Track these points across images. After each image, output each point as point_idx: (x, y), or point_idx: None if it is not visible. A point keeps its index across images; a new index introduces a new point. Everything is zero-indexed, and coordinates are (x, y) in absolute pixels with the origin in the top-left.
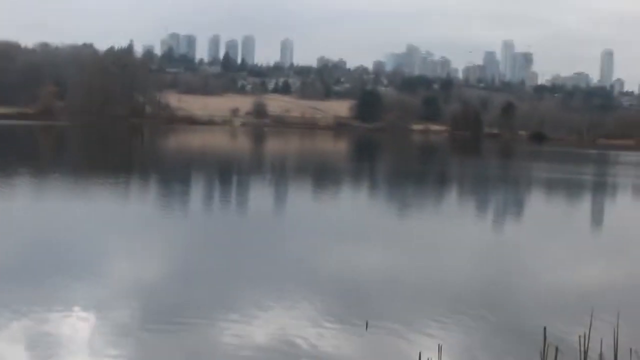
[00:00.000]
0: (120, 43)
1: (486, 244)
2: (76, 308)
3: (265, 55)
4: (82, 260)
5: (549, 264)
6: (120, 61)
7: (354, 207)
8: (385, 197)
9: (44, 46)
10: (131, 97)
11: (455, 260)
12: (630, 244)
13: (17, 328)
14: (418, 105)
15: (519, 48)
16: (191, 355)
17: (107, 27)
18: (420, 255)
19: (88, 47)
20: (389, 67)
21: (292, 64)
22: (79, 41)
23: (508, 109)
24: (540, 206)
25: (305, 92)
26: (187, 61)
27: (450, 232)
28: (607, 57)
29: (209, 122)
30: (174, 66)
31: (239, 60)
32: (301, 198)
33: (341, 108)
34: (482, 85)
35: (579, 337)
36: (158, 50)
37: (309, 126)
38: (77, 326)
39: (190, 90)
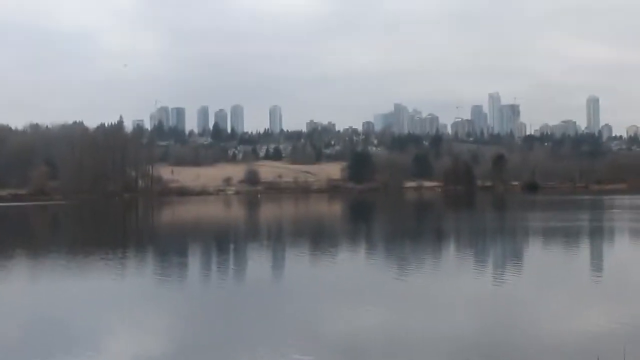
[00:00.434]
0: (110, 119)
1: (486, 297)
2: None
3: (254, 123)
4: (81, 337)
5: (549, 314)
6: (111, 137)
7: (352, 268)
8: (383, 256)
9: (35, 127)
10: (123, 172)
11: (456, 315)
12: (630, 288)
13: None
14: (409, 163)
15: (506, 100)
16: None
17: (96, 104)
18: (420, 312)
19: (78, 125)
20: (378, 127)
21: (281, 130)
22: (69, 119)
23: (499, 161)
24: (538, 255)
25: (296, 157)
26: (177, 133)
27: (450, 287)
28: (593, 104)
29: (202, 193)
30: (165, 139)
31: (228, 130)
32: (299, 262)
33: (333, 170)
34: (471, 139)
35: None
36: (148, 124)
37: (302, 190)
38: None
39: (181, 162)
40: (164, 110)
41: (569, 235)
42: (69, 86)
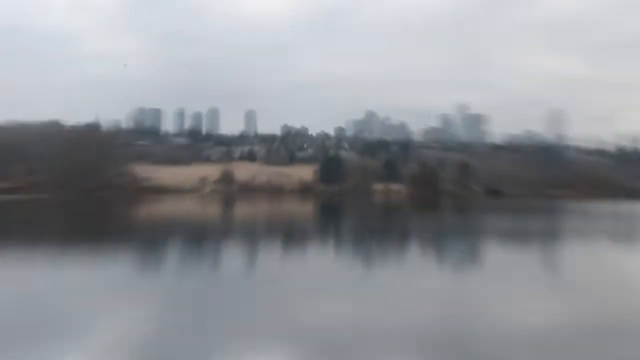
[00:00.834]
0: (86, 119)
1: (445, 293)
2: None
3: (229, 126)
4: (67, 323)
5: (504, 308)
6: (87, 136)
7: (322, 264)
8: (352, 254)
9: (15, 123)
10: (100, 170)
11: (418, 309)
12: (576, 284)
13: None
14: (378, 167)
15: (473, 110)
16: None
17: (72, 104)
18: (385, 307)
19: (55, 124)
20: (349, 132)
21: (256, 133)
22: (46, 118)
23: (464, 168)
24: (496, 254)
25: (270, 159)
26: (154, 133)
27: (412, 283)
28: (554, 116)
29: (179, 191)
30: (142, 139)
31: (204, 131)
32: (271, 259)
33: (305, 172)
34: (438, 146)
35: None
36: (125, 124)
37: (275, 191)
38: None
39: (158, 161)
40: (141, 110)
41: (530, 239)
42: (48, 87)
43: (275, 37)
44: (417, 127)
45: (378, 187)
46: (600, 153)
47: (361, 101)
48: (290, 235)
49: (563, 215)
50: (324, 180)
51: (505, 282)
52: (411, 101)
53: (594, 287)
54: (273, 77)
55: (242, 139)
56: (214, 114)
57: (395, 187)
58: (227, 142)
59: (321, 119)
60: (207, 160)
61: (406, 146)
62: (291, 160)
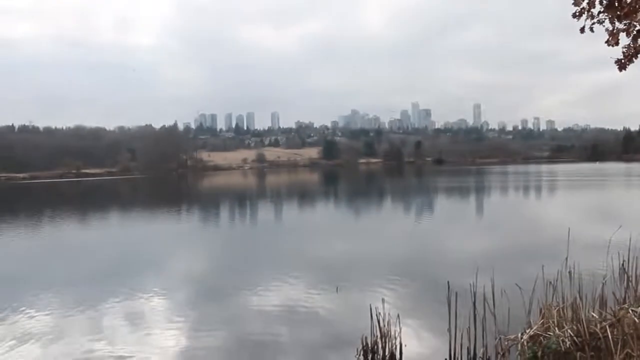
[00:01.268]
0: (169, 122)
1: (409, 231)
2: (155, 289)
3: (261, 123)
4: (149, 262)
5: (450, 240)
6: (169, 134)
7: (325, 212)
8: (344, 205)
9: (121, 128)
10: (177, 156)
11: (391, 243)
12: (500, 224)
13: (115, 306)
14: (361, 147)
15: (422, 106)
16: (233, 314)
17: (160, 113)
18: (370, 242)
19: (148, 127)
20: (341, 124)
21: (279, 127)
22: (142, 123)
23: (418, 145)
24: (443, 203)
25: (289, 144)
26: (211, 131)
27: (387, 224)
28: (477, 108)
29: (228, 168)
30: (204, 134)
31: (245, 127)
32: (292, 209)
33: (313, 153)
34: (401, 131)
35: (470, 285)
36: (193, 125)
37: (292, 165)
38: (152, 301)
39: (215, 149)
40: (203, 115)
41: (463, 191)
42: (143, 101)
43: (291, 61)
44: (386, 119)
45: (361, 160)
46: (509, 132)
47: (348, 102)
48: (303, 194)
49: (486, 176)
50: (325, 157)
51: (449, 223)
52: (382, 102)
53: (509, 224)
54: (290, 89)
55: (269, 131)
56: (250, 115)
57: (372, 160)
58: (259, 134)
59: (322, 116)
60: (247, 147)
61: (379, 132)
62: (303, 144)
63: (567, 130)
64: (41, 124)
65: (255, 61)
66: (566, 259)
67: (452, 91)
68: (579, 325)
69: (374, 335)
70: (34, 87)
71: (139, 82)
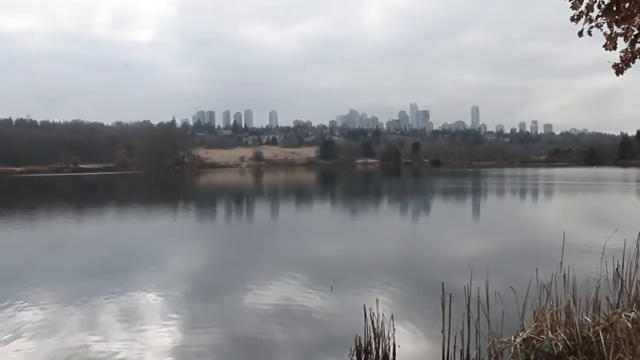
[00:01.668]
0: (167, 119)
1: (405, 232)
2: (151, 286)
3: (259, 121)
4: (146, 258)
5: (446, 242)
6: (167, 130)
7: (322, 212)
8: (341, 205)
9: (119, 123)
10: (175, 153)
11: (387, 244)
12: (496, 227)
13: (109, 301)
14: (359, 148)
15: (420, 107)
16: (228, 313)
17: (159, 109)
18: (365, 242)
19: (146, 123)
20: (339, 124)
21: (277, 126)
22: (141, 119)
23: (416, 146)
24: (439, 204)
25: (286, 143)
26: (209, 128)
27: (383, 225)
28: (475, 110)
29: (226, 166)
30: (201, 131)
31: (243, 125)
32: (288, 208)
33: (310, 152)
34: (398, 132)
35: (464, 287)
36: (191, 122)
37: (290, 165)
38: (147, 297)
39: (212, 146)
40: (201, 112)
41: (460, 193)
42: (141, 98)
43: (290, 61)
44: (384, 119)
45: (359, 160)
46: (507, 135)
47: (346, 102)
48: (299, 193)
49: (483, 178)
50: (323, 156)
51: (445, 224)
52: (380, 102)
53: (505, 227)
54: (288, 87)
55: (267, 130)
56: (249, 113)
57: (370, 160)
58: (257, 132)
59: (320, 115)
60: (244, 145)
61: (377, 133)
62: (301, 143)
63: (565, 134)
64: (39, 118)
65: (254, 59)
66: (560, 262)
67: (451, 93)
68: (572, 329)
69: (367, 335)
70: (32, 81)
71: (137, 78)
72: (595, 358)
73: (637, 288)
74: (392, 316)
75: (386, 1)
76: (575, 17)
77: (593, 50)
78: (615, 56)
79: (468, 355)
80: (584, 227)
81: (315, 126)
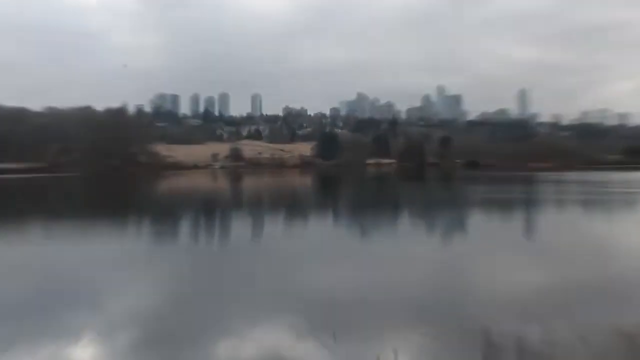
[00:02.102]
0: (115, 104)
1: (433, 258)
2: (86, 334)
3: (238, 108)
4: (80, 294)
5: (488, 273)
6: (115, 119)
7: (320, 231)
8: (347, 222)
9: (51, 109)
10: (126, 149)
11: (408, 274)
12: (558, 253)
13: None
14: (369, 143)
15: (450, 91)
16: None
17: (104, 93)
18: (378, 272)
19: (87, 109)
20: (343, 112)
21: (261, 114)
22: (80, 103)
23: (445, 142)
24: (478, 222)
25: (273, 137)
26: (172, 117)
27: (403, 249)
28: (523, 95)
29: (194, 167)
30: (162, 121)
31: (216, 113)
32: (276, 225)
33: (305, 149)
34: (422, 123)
35: (514, 335)
36: (148, 109)
37: (278, 165)
38: (85, 352)
39: (176, 140)
40: (161, 96)
41: (506, 205)
42: (82, 75)
43: (279, 29)
44: (403, 106)
45: (370, 160)
46: (566, 128)
47: (353, 84)
48: (291, 205)
49: (537, 185)
50: (322, 155)
51: (487, 249)
52: (397, 84)
53: (572, 254)
54: (277, 65)
55: (248, 119)
56: (224, 98)
57: (385, 160)
58: (235, 123)
59: (318, 101)
60: (219, 138)
61: (394, 123)
62: (292, 138)
63: None
64: None
65: (233, 28)
66: None
67: (491, 72)
68: None
69: None
70: None
71: (77, 50)
72: None
73: None
74: None
75: None
76: None
77: None
78: None
79: None
80: None
81: (312, 115)
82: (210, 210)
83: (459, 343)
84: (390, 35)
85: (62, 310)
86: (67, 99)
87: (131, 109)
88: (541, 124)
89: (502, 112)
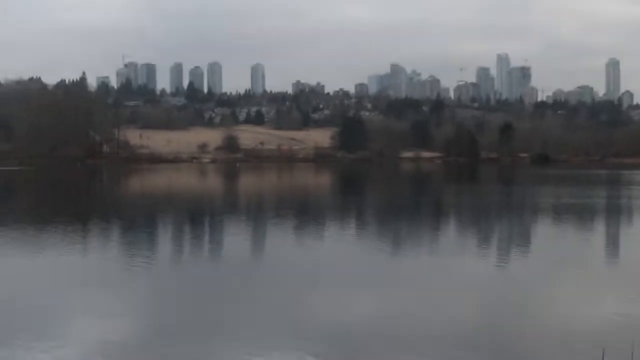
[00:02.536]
0: (72, 76)
1: (484, 280)
2: None
3: (234, 83)
4: (31, 322)
5: (559, 302)
6: (72, 96)
7: (340, 245)
8: (379, 236)
9: None
10: (86, 135)
11: (450, 300)
12: None
13: None
14: (406, 131)
15: (515, 62)
16: None
17: (55, 60)
18: (411, 297)
19: (35, 82)
20: (372, 90)
21: (264, 91)
22: (25, 76)
23: (506, 130)
24: (546, 236)
25: (280, 122)
26: (147, 93)
27: (451, 270)
28: (613, 69)
29: (175, 160)
30: (133, 99)
31: (205, 90)
32: (281, 235)
33: (321, 137)
34: (476, 105)
35: None
36: (114, 82)
37: (286, 159)
38: None
39: (152, 124)
40: (132, 66)
41: (582, 214)
42: (27, 37)
43: None
44: (451, 83)
45: (406, 153)
46: None
47: (385, 53)
48: (302, 210)
49: (630, 188)
50: (343, 146)
51: (557, 268)
52: (444, 53)
53: None
54: (284, 26)
55: (247, 98)
56: (215, 69)
57: (426, 153)
58: (230, 103)
59: (339, 75)
60: (208, 123)
61: (438, 106)
62: (305, 123)
63: None
64: None
65: None
66: None
67: (571, 37)
68: None
69: None
70: None
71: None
72: None
73: None
74: None
75: None
76: None
77: None
78: None
79: None
80: None
81: (331, 93)
82: (199, 212)
83: None
84: None
85: (8, 342)
86: (7, 69)
87: (92, 81)
88: (635, 107)
89: (583, 90)
